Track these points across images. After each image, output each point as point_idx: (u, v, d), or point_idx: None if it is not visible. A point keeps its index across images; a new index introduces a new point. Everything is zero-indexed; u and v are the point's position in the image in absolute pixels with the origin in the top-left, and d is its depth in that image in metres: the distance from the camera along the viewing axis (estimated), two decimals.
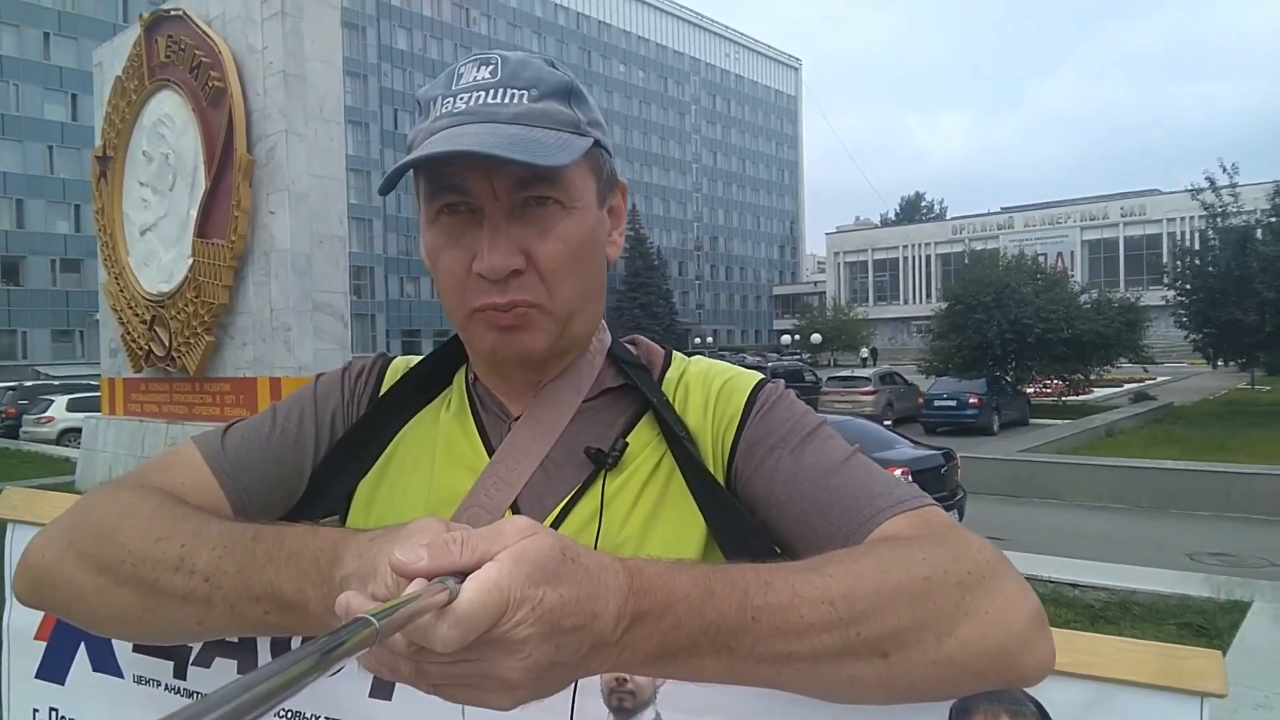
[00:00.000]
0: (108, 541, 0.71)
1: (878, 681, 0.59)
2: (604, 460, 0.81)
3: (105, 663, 0.96)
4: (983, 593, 0.62)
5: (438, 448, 0.87)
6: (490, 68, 0.77)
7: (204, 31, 7.91)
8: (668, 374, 0.89)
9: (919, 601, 0.60)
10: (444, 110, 0.76)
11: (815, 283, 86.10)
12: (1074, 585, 5.19)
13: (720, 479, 0.82)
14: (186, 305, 8.45)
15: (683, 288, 78.70)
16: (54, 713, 1.00)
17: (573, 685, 0.70)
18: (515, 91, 0.76)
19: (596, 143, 0.80)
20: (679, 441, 0.82)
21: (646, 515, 0.80)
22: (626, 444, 0.83)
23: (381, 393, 0.92)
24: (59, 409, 19.17)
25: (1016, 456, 12.66)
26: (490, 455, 0.84)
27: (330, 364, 7.93)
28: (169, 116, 8.52)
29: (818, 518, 0.75)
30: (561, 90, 0.78)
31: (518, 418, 0.85)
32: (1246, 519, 9.73)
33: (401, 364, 0.94)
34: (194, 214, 8.24)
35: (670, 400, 0.86)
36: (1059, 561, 5.82)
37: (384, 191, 0.82)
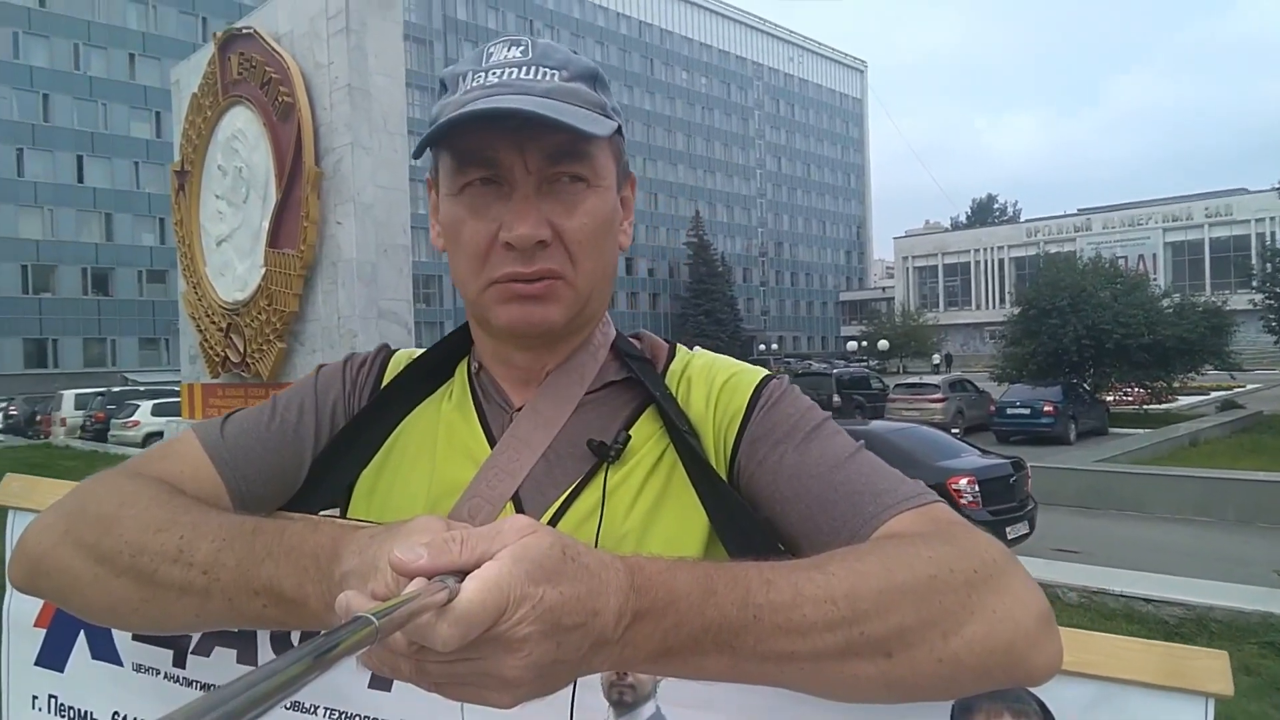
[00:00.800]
0: (106, 530, 0.71)
1: (882, 681, 0.59)
2: (606, 453, 0.81)
3: (105, 650, 0.96)
4: (990, 591, 0.61)
5: (439, 438, 0.87)
6: (520, 48, 0.79)
7: (273, 48, 8.17)
8: (671, 367, 0.89)
9: (924, 600, 0.59)
10: (475, 84, 0.77)
11: (883, 288, 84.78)
12: (1147, 600, 4.97)
13: (723, 474, 0.81)
14: (260, 313, 8.72)
15: (747, 294, 78.31)
16: (53, 700, 0.99)
17: (573, 681, 0.70)
18: (547, 70, 0.77)
19: (619, 129, 0.82)
20: (681, 435, 0.81)
21: (648, 509, 0.80)
22: (629, 437, 0.82)
23: (384, 384, 0.91)
24: (144, 413, 20.04)
25: (1092, 466, 12.21)
26: (492, 446, 0.84)
27: None
28: (242, 131, 8.82)
29: (822, 514, 0.75)
30: (589, 74, 0.80)
31: (520, 408, 0.85)
32: None
33: (404, 355, 0.94)
34: (266, 225, 8.51)
35: (673, 394, 0.86)
36: (1133, 575, 5.58)
37: (417, 156, 0.84)
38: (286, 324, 8.51)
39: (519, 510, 0.80)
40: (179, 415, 11.46)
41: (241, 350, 9.09)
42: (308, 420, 0.87)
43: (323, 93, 7.90)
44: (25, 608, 1.01)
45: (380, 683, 0.82)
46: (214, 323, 9.54)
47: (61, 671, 0.99)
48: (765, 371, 0.87)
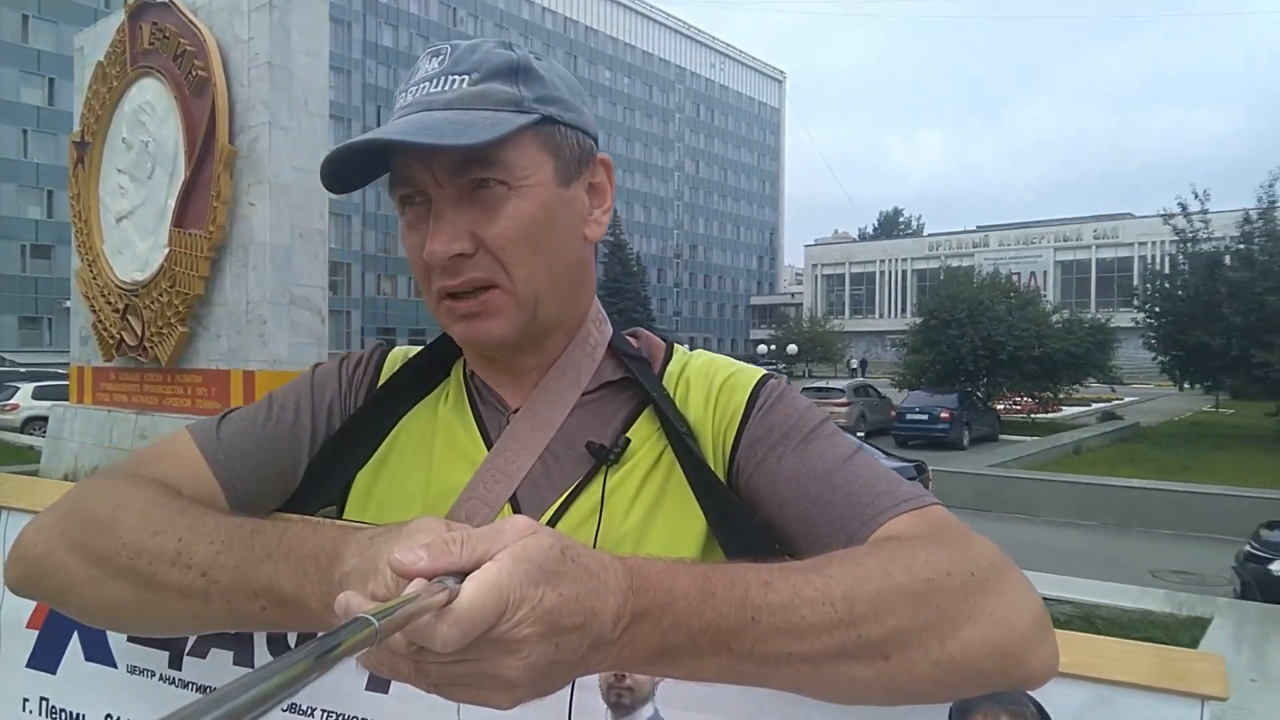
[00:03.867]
0: (103, 533, 0.70)
1: (878, 682, 0.59)
2: (605, 455, 0.80)
3: (99, 652, 0.95)
4: (986, 594, 0.62)
5: (436, 440, 0.86)
6: (440, 58, 0.78)
7: (189, 20, 7.84)
8: (669, 368, 0.89)
9: (921, 603, 0.60)
10: (399, 105, 0.78)
11: (793, 294, 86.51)
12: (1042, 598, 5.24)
13: (721, 475, 0.81)
14: (161, 295, 8.35)
15: (661, 294, 78.75)
16: (44, 702, 0.98)
17: (571, 682, 0.70)
18: (456, 77, 0.76)
19: (550, 119, 0.78)
20: (679, 437, 0.81)
21: (646, 510, 0.80)
22: (629, 440, 0.82)
23: (380, 383, 0.90)
24: (24, 396, 18.82)
25: (986, 471, 12.82)
26: (489, 448, 0.83)
27: (306, 359, 7.90)
28: (150, 104, 8.42)
29: (820, 515, 0.75)
30: (505, 70, 0.77)
31: (516, 410, 0.84)
32: (1209, 539, 9.91)
33: (400, 354, 0.93)
34: (172, 203, 8.15)
35: (671, 395, 0.85)
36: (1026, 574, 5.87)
37: (337, 191, 0.81)
38: (190, 307, 8.17)
39: (517, 512, 0.79)
40: (65, 399, 10.86)
41: (139, 333, 8.68)
42: (304, 420, 0.86)
43: (240, 69, 7.62)
44: (18, 609, 1.00)
45: (378, 684, 0.81)
46: (109, 303, 9.08)
47: (54, 673, 0.98)
48: (763, 371, 0.87)
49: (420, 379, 0.90)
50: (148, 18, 8.35)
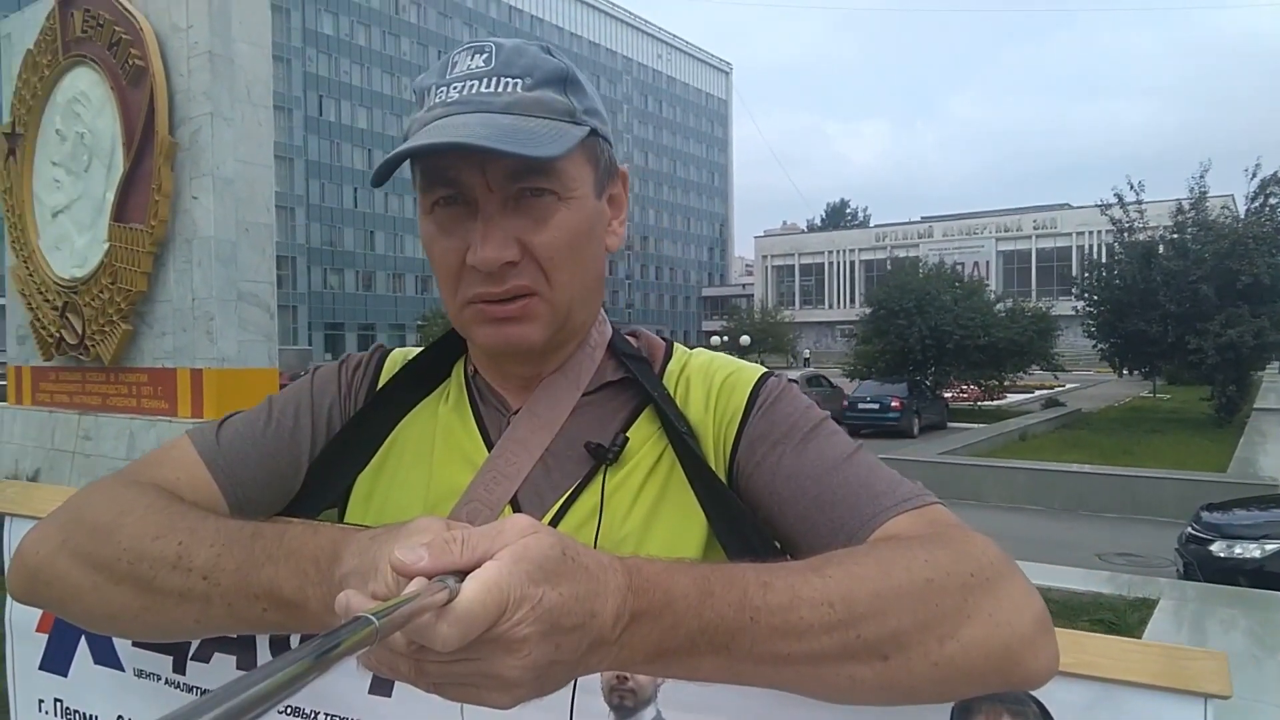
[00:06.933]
0: (104, 539, 0.70)
1: (877, 683, 0.59)
2: (604, 455, 0.80)
3: (106, 656, 0.97)
4: (986, 595, 0.62)
5: (436, 441, 0.86)
6: (484, 55, 0.76)
7: (124, 7, 7.57)
8: (669, 367, 0.89)
9: (920, 603, 0.59)
10: (438, 100, 0.75)
11: (744, 285, 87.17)
12: None
13: (722, 475, 0.81)
14: (102, 292, 8.09)
15: (613, 287, 78.75)
16: (59, 704, 1.02)
17: (572, 683, 0.69)
18: (509, 80, 0.75)
19: (594, 131, 0.78)
20: (680, 437, 0.81)
21: (647, 511, 0.80)
22: (627, 439, 0.82)
23: (380, 385, 0.90)
24: None
25: (936, 458, 13.04)
26: (489, 449, 0.83)
27: (255, 357, 7.73)
28: (85, 94, 8.13)
29: (820, 515, 0.74)
30: (557, 78, 0.77)
31: (517, 411, 0.85)
32: (1152, 521, 10.20)
33: (400, 356, 0.93)
34: (111, 197, 7.89)
35: (671, 394, 0.85)
36: None
37: (377, 184, 0.79)
38: (133, 304, 7.93)
39: (517, 514, 0.80)
40: (3, 400, 10.47)
41: (80, 331, 8.40)
42: (304, 423, 0.86)
43: (180, 58, 7.40)
44: (27, 614, 1.03)
45: (380, 688, 0.81)
46: (47, 300, 8.78)
47: (65, 676, 1.01)
48: (763, 370, 0.87)
49: (420, 380, 0.90)
50: (79, 4, 8.07)
